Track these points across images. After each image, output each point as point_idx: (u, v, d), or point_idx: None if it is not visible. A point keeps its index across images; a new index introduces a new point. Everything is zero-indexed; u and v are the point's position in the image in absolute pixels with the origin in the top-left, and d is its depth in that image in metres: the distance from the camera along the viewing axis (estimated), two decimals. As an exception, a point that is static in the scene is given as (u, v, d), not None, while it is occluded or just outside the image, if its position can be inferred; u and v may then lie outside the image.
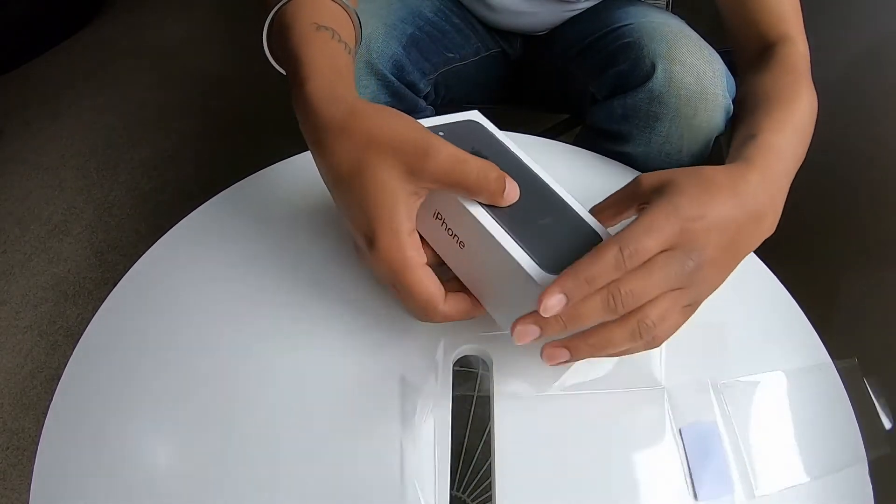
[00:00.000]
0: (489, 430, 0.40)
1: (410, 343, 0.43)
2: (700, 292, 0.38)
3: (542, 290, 0.35)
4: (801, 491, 0.39)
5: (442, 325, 0.43)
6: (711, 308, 0.39)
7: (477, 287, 0.40)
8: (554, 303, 0.33)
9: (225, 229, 0.49)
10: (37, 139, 1.42)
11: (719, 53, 0.55)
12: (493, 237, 0.36)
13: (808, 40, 0.56)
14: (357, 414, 0.40)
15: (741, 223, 0.38)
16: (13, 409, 1.02)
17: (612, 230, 0.40)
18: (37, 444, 0.38)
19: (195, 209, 0.51)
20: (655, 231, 0.35)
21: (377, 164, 0.35)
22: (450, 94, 0.75)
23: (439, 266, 0.40)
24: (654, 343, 0.37)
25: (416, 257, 0.37)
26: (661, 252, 0.35)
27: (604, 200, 0.44)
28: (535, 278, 0.35)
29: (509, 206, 0.38)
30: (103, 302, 0.45)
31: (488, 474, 0.42)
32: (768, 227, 0.40)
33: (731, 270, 0.39)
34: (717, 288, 0.39)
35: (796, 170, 0.45)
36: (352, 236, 0.39)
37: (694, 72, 0.52)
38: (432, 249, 0.40)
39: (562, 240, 0.38)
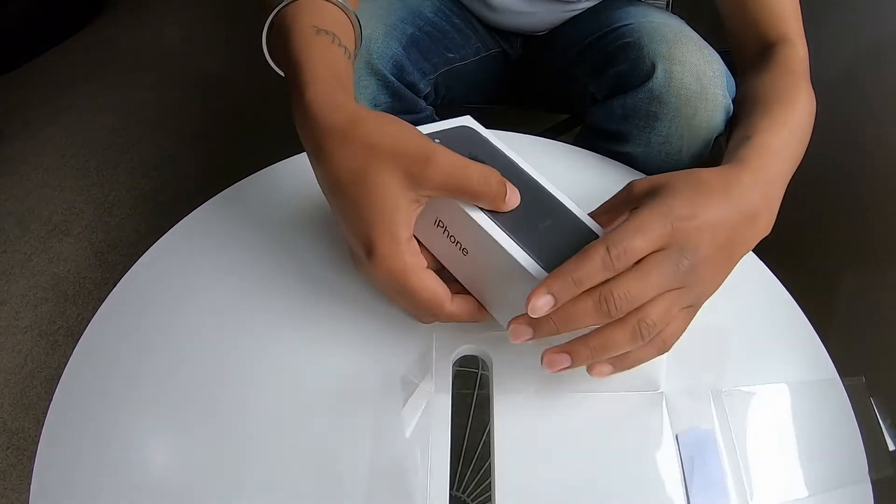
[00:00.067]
0: (489, 430, 0.40)
1: (410, 343, 0.43)
2: (699, 293, 0.37)
3: None
4: (799, 506, 0.38)
5: (442, 326, 0.43)
6: (715, 314, 0.39)
7: (482, 292, 0.40)
8: (542, 304, 0.33)
9: (225, 229, 0.49)
10: (37, 139, 1.42)
11: (719, 53, 0.55)
12: (496, 242, 0.36)
13: (808, 40, 0.56)
14: (357, 414, 0.40)
15: (734, 223, 0.38)
16: (13, 409, 1.02)
17: None
18: (37, 444, 0.38)
19: (195, 209, 0.51)
20: (645, 231, 0.35)
21: (378, 171, 0.35)
22: (450, 94, 0.75)
23: (440, 271, 0.40)
24: (664, 347, 0.37)
25: (417, 262, 0.37)
26: (655, 252, 0.35)
27: (598, 207, 0.44)
28: (539, 279, 0.35)
29: (510, 211, 0.38)
30: (103, 302, 0.45)
31: (488, 474, 0.42)
32: (763, 226, 0.40)
33: (729, 270, 0.39)
34: (716, 288, 0.39)
35: (793, 171, 0.45)
36: (348, 244, 0.39)
37: (694, 72, 0.52)
38: (432, 255, 0.40)
39: (563, 242, 0.39)
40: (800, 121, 0.48)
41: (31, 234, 1.25)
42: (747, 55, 0.58)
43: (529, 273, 0.36)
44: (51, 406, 0.40)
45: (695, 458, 0.39)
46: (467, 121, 0.45)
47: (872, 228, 0.77)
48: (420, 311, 0.39)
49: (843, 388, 0.42)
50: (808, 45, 0.56)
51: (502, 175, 0.37)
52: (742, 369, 0.43)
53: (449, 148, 0.36)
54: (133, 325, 0.44)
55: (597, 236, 0.40)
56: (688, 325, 0.38)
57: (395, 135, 0.35)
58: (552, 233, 0.39)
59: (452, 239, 0.39)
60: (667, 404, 0.41)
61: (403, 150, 0.35)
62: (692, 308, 0.38)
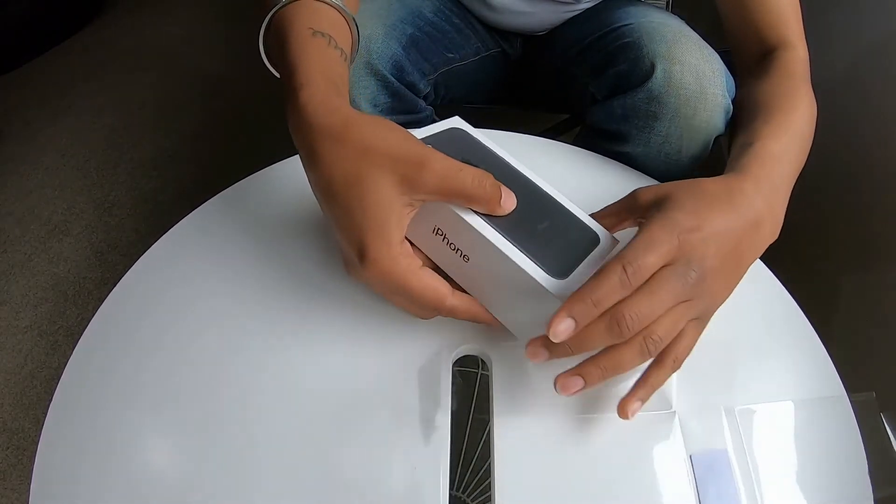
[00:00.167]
0: (489, 430, 0.40)
1: (410, 343, 0.43)
2: (708, 304, 0.37)
3: (550, 295, 0.35)
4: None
5: (442, 326, 0.43)
6: (723, 327, 0.39)
7: (486, 297, 0.40)
8: (563, 328, 0.33)
9: (225, 229, 0.49)
10: (37, 139, 1.42)
11: (719, 53, 0.55)
12: (495, 247, 0.36)
13: (808, 40, 0.56)
14: (356, 414, 0.40)
15: (739, 232, 0.38)
16: (13, 409, 1.02)
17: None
18: (37, 444, 0.38)
19: (195, 209, 0.51)
20: (655, 246, 0.35)
21: (373, 175, 0.35)
22: (450, 94, 0.75)
23: (435, 269, 0.40)
24: (676, 365, 0.37)
25: (412, 262, 0.37)
26: (663, 268, 0.35)
27: (601, 210, 0.44)
28: (543, 284, 0.36)
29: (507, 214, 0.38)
30: (103, 302, 0.45)
31: (488, 474, 0.42)
32: (768, 234, 0.40)
33: (738, 279, 0.39)
34: (725, 298, 0.39)
35: (796, 176, 0.45)
36: (339, 248, 0.38)
37: (693, 72, 0.52)
38: (425, 255, 0.40)
39: (562, 242, 0.39)
40: (801, 125, 0.48)
41: (31, 234, 1.25)
42: (747, 56, 0.58)
43: (531, 276, 0.36)
44: (51, 406, 0.40)
45: (710, 481, 0.38)
46: (457, 122, 0.45)
47: (876, 230, 0.77)
48: (421, 309, 0.39)
49: (850, 404, 0.42)
50: (808, 45, 0.56)
51: (497, 177, 0.37)
52: (753, 388, 0.43)
53: (441, 152, 0.36)
54: (133, 325, 0.44)
55: (595, 233, 0.40)
56: (697, 339, 0.38)
57: (389, 138, 0.35)
58: (550, 233, 0.39)
59: (452, 246, 0.38)
60: (680, 423, 0.41)
61: (398, 154, 0.35)
62: (700, 320, 0.38)
